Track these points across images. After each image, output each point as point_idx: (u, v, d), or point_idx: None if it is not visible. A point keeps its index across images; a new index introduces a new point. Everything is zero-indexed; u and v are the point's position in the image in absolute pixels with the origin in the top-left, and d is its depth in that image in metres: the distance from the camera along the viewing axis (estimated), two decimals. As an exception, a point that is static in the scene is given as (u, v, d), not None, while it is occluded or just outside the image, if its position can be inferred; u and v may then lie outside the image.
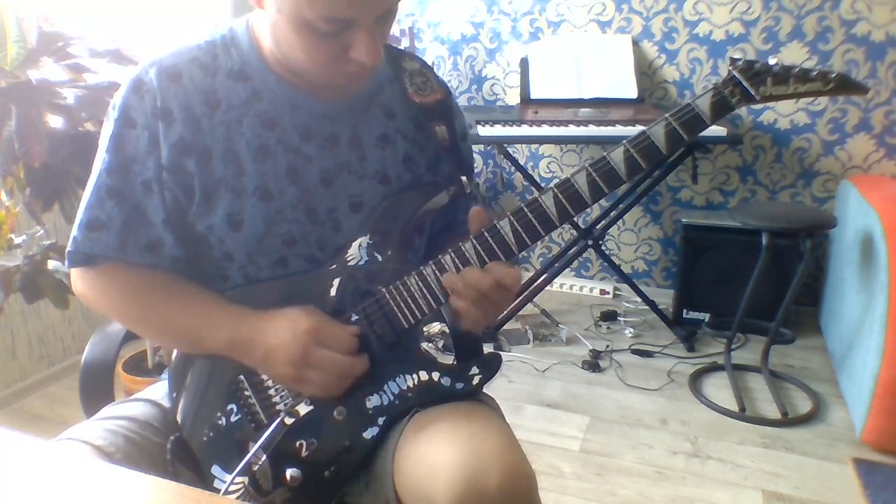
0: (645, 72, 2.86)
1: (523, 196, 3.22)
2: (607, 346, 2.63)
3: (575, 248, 2.83)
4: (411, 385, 0.89)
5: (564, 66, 2.77)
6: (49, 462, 0.66)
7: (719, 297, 2.68)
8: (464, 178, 0.96)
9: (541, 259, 3.29)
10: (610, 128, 2.37)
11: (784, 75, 0.85)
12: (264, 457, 0.87)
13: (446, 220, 1.05)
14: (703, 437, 2.06)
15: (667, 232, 3.06)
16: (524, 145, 3.10)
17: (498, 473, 0.75)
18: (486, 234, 0.86)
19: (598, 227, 2.76)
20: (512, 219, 0.86)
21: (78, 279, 0.92)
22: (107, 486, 0.63)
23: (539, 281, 2.77)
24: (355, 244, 0.91)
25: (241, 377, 0.90)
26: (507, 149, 2.74)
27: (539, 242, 3.28)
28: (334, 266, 0.91)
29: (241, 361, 0.89)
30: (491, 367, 0.92)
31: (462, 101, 3.18)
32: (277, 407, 0.89)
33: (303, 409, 0.89)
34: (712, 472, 1.89)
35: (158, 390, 1.00)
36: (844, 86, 0.85)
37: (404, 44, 2.92)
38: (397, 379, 0.89)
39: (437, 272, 0.87)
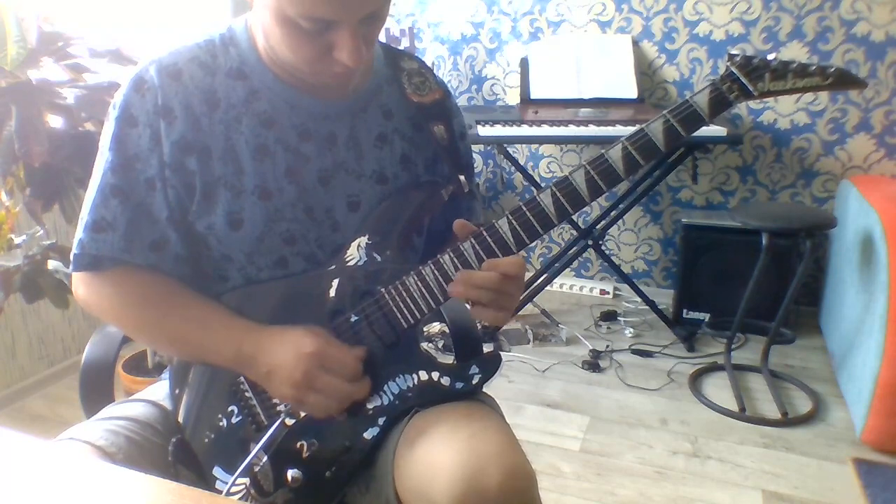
0: (645, 72, 2.86)
1: (523, 196, 3.22)
2: (607, 346, 2.63)
3: (575, 248, 2.83)
4: (411, 385, 0.89)
5: (564, 66, 2.77)
6: (50, 462, 0.66)
7: (719, 297, 2.68)
8: (462, 178, 0.96)
9: (541, 259, 3.30)
10: (610, 128, 2.37)
11: (782, 70, 0.85)
12: (265, 458, 0.87)
13: (446, 220, 1.05)
14: (703, 437, 2.06)
15: (667, 232, 3.06)
16: (524, 145, 3.10)
17: (498, 473, 0.76)
18: (484, 233, 0.86)
19: (598, 227, 2.76)
20: (510, 217, 0.86)
21: (81, 284, 0.91)
22: (108, 486, 0.63)
23: (539, 281, 2.77)
24: (354, 245, 0.91)
25: (242, 379, 0.90)
26: (507, 149, 2.74)
27: (538, 241, 3.28)
28: (333, 267, 0.90)
29: (244, 374, 0.89)
30: (490, 366, 0.92)
31: (462, 101, 3.18)
32: (278, 408, 0.89)
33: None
34: (712, 472, 1.89)
35: (159, 391, 1.00)
36: (843, 80, 0.85)
37: (404, 44, 2.92)
38: (397, 379, 0.89)
39: (436, 272, 0.87)
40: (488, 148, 3.17)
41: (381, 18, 0.82)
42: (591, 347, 2.60)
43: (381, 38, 1.00)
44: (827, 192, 2.78)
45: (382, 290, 0.89)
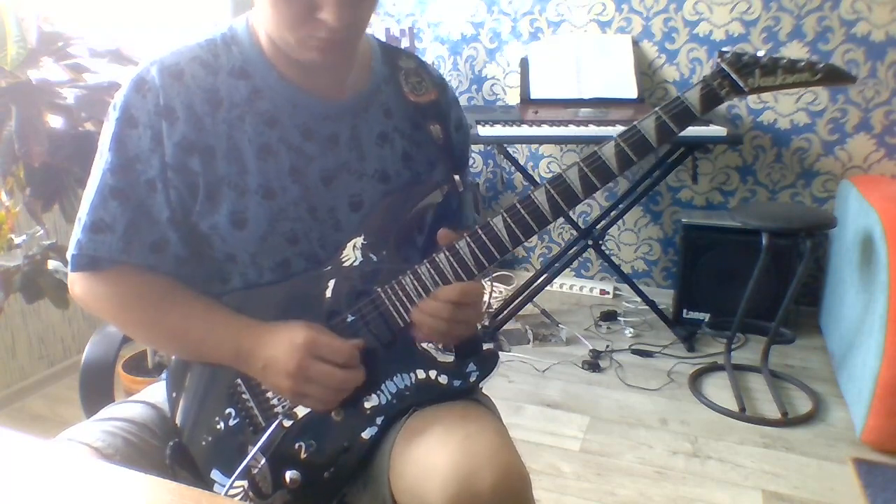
0: (645, 72, 2.86)
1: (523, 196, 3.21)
2: (607, 346, 2.63)
3: (575, 248, 2.83)
4: (409, 384, 0.89)
5: (564, 66, 2.77)
6: (50, 462, 0.66)
7: (719, 297, 2.68)
8: (457, 178, 0.97)
9: (541, 259, 3.29)
10: (610, 128, 2.37)
11: (772, 66, 0.86)
12: (263, 460, 0.87)
13: (442, 220, 1.05)
14: (703, 437, 2.06)
15: (667, 232, 3.06)
16: (524, 145, 3.10)
17: (491, 474, 0.76)
18: (479, 231, 0.87)
19: (598, 227, 2.76)
20: (505, 215, 0.87)
21: (78, 283, 0.91)
22: (107, 486, 0.63)
23: (539, 281, 2.77)
24: (350, 245, 0.91)
25: (239, 381, 0.90)
26: (507, 149, 2.74)
27: (538, 241, 3.28)
28: (329, 267, 0.91)
29: (243, 371, 0.89)
30: (488, 364, 0.92)
31: (462, 101, 3.17)
32: (275, 410, 0.89)
33: (301, 411, 0.89)
34: (712, 472, 1.89)
35: (157, 392, 1.00)
36: (832, 76, 0.86)
37: (404, 44, 2.92)
38: (395, 378, 0.89)
39: (431, 271, 0.87)
40: (488, 148, 3.17)
41: None
42: (591, 347, 2.60)
43: (381, 38, 1.00)
44: (827, 192, 2.78)
45: (378, 289, 0.89)
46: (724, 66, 0.86)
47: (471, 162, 3.20)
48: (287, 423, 0.88)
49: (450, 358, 0.92)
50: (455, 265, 0.87)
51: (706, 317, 2.74)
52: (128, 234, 0.86)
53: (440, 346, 0.91)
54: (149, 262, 0.87)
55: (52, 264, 1.63)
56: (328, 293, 0.90)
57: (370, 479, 0.89)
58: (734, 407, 2.18)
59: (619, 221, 2.96)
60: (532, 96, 2.77)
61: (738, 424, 2.12)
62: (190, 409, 0.91)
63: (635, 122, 0.86)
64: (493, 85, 3.13)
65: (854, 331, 2.15)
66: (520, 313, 2.79)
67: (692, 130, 2.18)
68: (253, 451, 0.87)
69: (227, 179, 0.86)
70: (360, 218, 0.92)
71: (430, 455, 0.79)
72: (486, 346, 0.95)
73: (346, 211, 0.92)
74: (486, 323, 2.74)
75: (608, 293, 3.13)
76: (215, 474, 0.88)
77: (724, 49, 0.88)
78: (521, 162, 3.13)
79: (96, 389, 1.07)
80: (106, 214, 0.86)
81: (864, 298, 2.05)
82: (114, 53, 1.74)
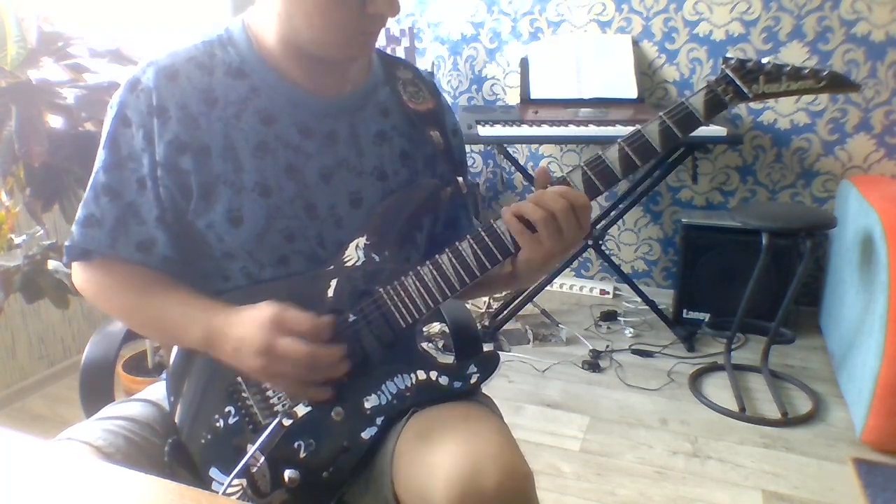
0: (645, 72, 2.86)
1: (523, 196, 3.21)
2: (607, 346, 2.64)
3: (575, 247, 2.83)
4: (409, 384, 0.89)
5: (564, 66, 2.77)
6: (50, 462, 0.66)
7: (719, 297, 2.68)
8: (460, 180, 0.97)
9: (541, 259, 3.29)
10: (610, 128, 2.37)
11: (776, 73, 0.86)
12: (262, 458, 0.87)
13: (444, 221, 1.06)
14: (703, 437, 2.06)
15: (667, 232, 3.06)
16: (524, 145, 3.10)
17: (496, 473, 0.76)
18: (482, 233, 0.87)
19: (598, 227, 2.76)
20: None
21: (77, 272, 0.95)
22: (108, 486, 0.63)
23: (539, 281, 2.77)
24: (352, 245, 0.91)
25: (239, 379, 0.90)
26: (507, 149, 2.74)
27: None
28: (331, 267, 0.91)
29: (217, 357, 0.88)
30: (488, 366, 0.92)
31: (462, 101, 3.18)
32: (275, 408, 0.89)
33: (301, 410, 0.88)
34: (712, 472, 1.89)
35: (158, 391, 1.00)
36: (836, 83, 0.86)
37: (404, 44, 2.92)
38: (395, 379, 0.89)
39: (434, 272, 0.87)
40: (488, 148, 3.17)
41: None
42: (591, 347, 2.60)
43: (382, 38, 1.00)
44: (827, 192, 2.78)
45: (381, 290, 0.89)
46: (728, 71, 0.86)
47: (470, 162, 3.20)
48: (287, 423, 0.88)
49: (451, 359, 0.92)
50: (457, 266, 0.87)
51: (706, 317, 2.74)
52: (115, 231, 0.88)
53: (531, 258, 0.86)
54: (135, 258, 0.89)
55: (52, 264, 1.63)
56: (330, 292, 0.90)
57: (371, 479, 0.89)
58: (734, 407, 2.18)
59: (619, 221, 2.96)
60: (532, 96, 2.77)
61: (738, 424, 2.12)
62: (189, 407, 0.91)
63: (639, 127, 0.86)
64: (493, 85, 3.13)
65: (854, 331, 2.15)
66: (520, 313, 2.79)
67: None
68: (252, 449, 0.87)
69: (222, 177, 0.87)
70: (362, 215, 0.92)
71: (433, 455, 0.79)
72: (486, 348, 0.94)
73: (347, 208, 0.92)
74: (486, 323, 2.74)
75: (608, 293, 3.13)
76: (214, 472, 0.88)
77: (728, 55, 0.88)
78: (521, 162, 3.13)
79: (96, 389, 1.07)
80: (97, 210, 0.88)
81: (864, 298, 2.05)
82: (114, 53, 1.75)
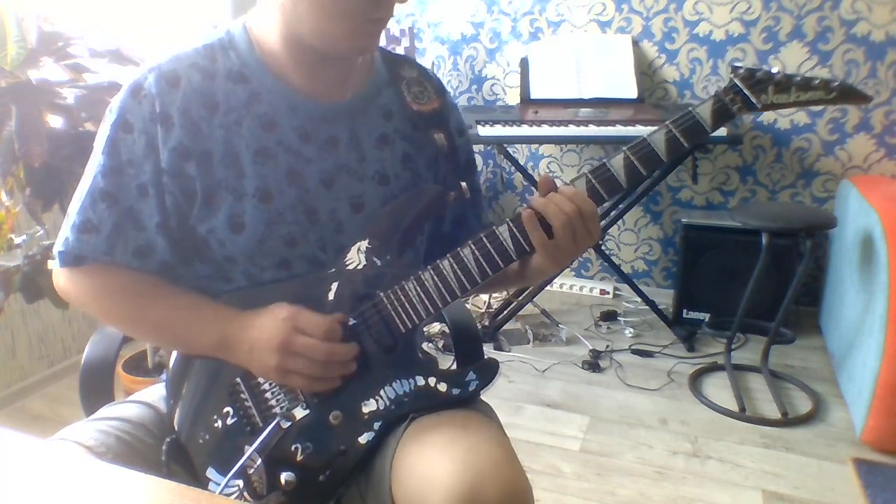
0: (645, 72, 2.86)
1: (523, 196, 3.22)
2: (607, 346, 2.63)
3: (575, 248, 2.82)
4: (408, 390, 0.89)
5: (564, 66, 2.77)
6: (49, 462, 0.66)
7: (719, 297, 2.68)
8: (463, 184, 0.97)
9: (541, 259, 3.29)
10: (610, 128, 2.37)
11: (786, 83, 0.85)
12: (259, 460, 0.87)
13: (447, 226, 1.06)
14: (703, 437, 2.06)
15: (667, 232, 3.06)
16: (524, 145, 3.10)
17: (495, 488, 0.75)
18: (484, 239, 0.87)
19: (598, 227, 2.75)
20: (511, 225, 0.86)
21: (62, 277, 0.93)
22: (107, 485, 0.63)
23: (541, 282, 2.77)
24: (354, 248, 0.91)
25: (239, 380, 0.90)
26: (507, 149, 2.74)
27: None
28: (333, 270, 0.91)
29: (228, 361, 0.89)
30: (488, 373, 0.91)
31: (462, 101, 3.18)
32: (274, 410, 0.89)
33: (299, 412, 0.88)
34: (712, 472, 1.89)
35: (154, 392, 1.00)
36: (847, 95, 0.85)
37: (404, 44, 2.92)
38: (394, 384, 0.89)
39: (435, 277, 0.87)
40: (488, 148, 3.17)
41: None
42: (591, 347, 2.60)
43: (382, 39, 1.00)
44: (827, 192, 2.78)
45: (381, 294, 0.89)
46: (736, 81, 0.85)
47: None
48: (285, 425, 0.88)
49: (451, 361, 0.92)
50: (458, 272, 0.86)
51: (706, 317, 2.74)
52: (112, 237, 0.87)
53: (539, 264, 0.87)
54: (132, 265, 0.89)
55: (52, 264, 1.63)
56: (331, 296, 0.90)
57: (369, 484, 0.89)
58: (734, 407, 2.18)
59: (619, 221, 2.96)
60: (532, 96, 2.77)
61: (738, 424, 2.12)
62: (188, 406, 0.91)
63: (645, 136, 0.85)
64: (493, 85, 3.13)
65: (854, 331, 2.15)
66: (520, 313, 2.79)
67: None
68: (249, 451, 0.86)
69: (224, 183, 0.86)
70: (362, 219, 0.92)
71: (432, 466, 0.79)
72: (486, 348, 0.94)
73: (348, 212, 0.92)
74: (486, 323, 2.74)
75: (608, 293, 3.13)
76: (211, 472, 0.88)
77: (737, 64, 0.87)
78: (521, 162, 3.13)
79: (96, 389, 1.06)
80: (94, 216, 0.87)
81: (864, 298, 2.05)
82: (114, 53, 1.75)
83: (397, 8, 0.85)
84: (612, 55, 2.76)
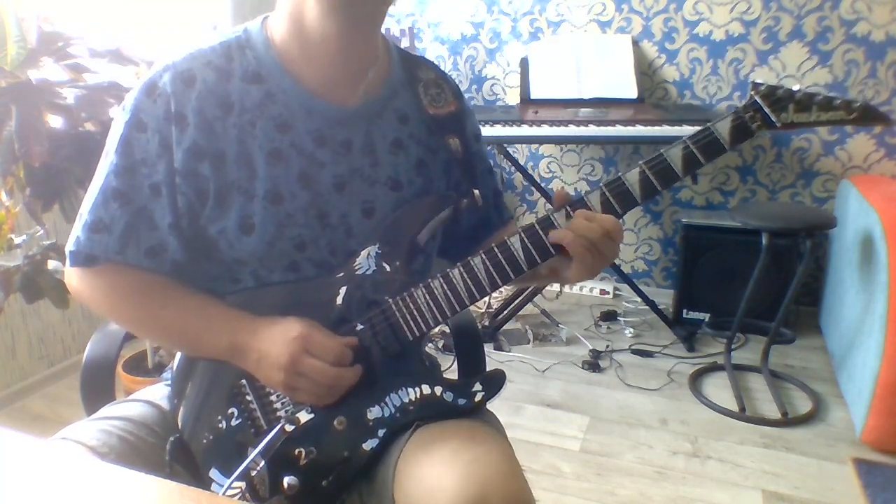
0: (645, 72, 2.86)
1: (523, 196, 3.22)
2: (607, 346, 2.64)
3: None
4: (413, 398, 0.88)
5: (564, 66, 2.77)
6: (51, 462, 0.66)
7: (719, 297, 2.68)
8: (476, 192, 0.96)
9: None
10: (610, 128, 2.37)
11: (807, 102, 0.84)
12: (262, 463, 0.86)
13: (458, 234, 1.05)
14: (703, 437, 2.06)
15: (667, 232, 3.06)
16: (524, 145, 3.10)
17: (500, 502, 0.75)
18: (496, 249, 0.86)
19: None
20: (523, 236, 0.86)
21: (75, 277, 0.92)
22: (108, 485, 0.63)
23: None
24: (364, 253, 0.90)
25: (244, 381, 0.90)
26: (507, 149, 2.74)
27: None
28: (342, 274, 0.90)
29: (238, 366, 0.89)
30: (494, 385, 0.91)
31: (462, 100, 3.18)
32: (278, 413, 0.89)
33: (303, 416, 0.88)
34: (712, 472, 1.89)
35: (156, 391, 1.00)
36: (868, 116, 0.85)
37: (404, 44, 2.92)
38: (399, 391, 0.89)
39: (444, 285, 0.87)
40: (488, 148, 3.16)
41: None
42: (591, 347, 2.60)
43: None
44: (827, 192, 2.78)
45: (390, 300, 0.88)
46: (757, 98, 0.84)
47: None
48: (289, 428, 0.87)
49: (451, 361, 0.92)
50: (468, 282, 0.86)
51: (706, 317, 2.74)
52: (125, 237, 0.87)
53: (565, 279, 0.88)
54: (144, 265, 0.88)
55: (52, 264, 1.63)
56: (339, 300, 0.89)
57: (373, 492, 0.89)
58: (734, 407, 2.18)
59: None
60: (532, 96, 2.77)
61: (738, 424, 2.12)
62: (193, 406, 0.91)
63: (662, 151, 0.85)
64: (493, 85, 3.13)
65: (854, 331, 2.15)
66: (520, 313, 2.79)
67: (691, 130, 2.20)
68: (253, 453, 0.86)
69: (236, 184, 0.86)
70: (373, 225, 0.91)
71: (437, 476, 0.78)
72: (486, 348, 0.94)
73: (359, 217, 0.91)
74: (487, 323, 2.74)
75: (608, 293, 3.14)
76: (214, 473, 0.88)
77: (758, 81, 0.86)
78: (521, 162, 3.13)
79: (97, 389, 1.06)
80: (105, 215, 0.86)
81: (864, 298, 2.05)
82: (114, 53, 1.75)
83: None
84: (612, 55, 2.76)
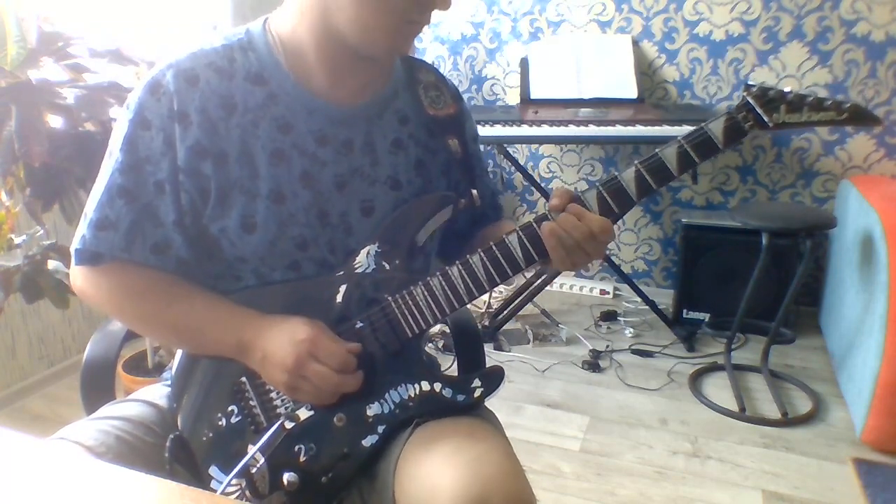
0: (645, 72, 2.86)
1: (523, 196, 3.22)
2: (607, 346, 2.64)
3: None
4: (412, 395, 0.89)
5: (564, 66, 2.77)
6: (49, 462, 0.66)
7: (719, 297, 2.68)
8: (474, 192, 0.97)
9: (541, 259, 3.29)
10: (610, 128, 2.37)
11: (798, 103, 0.86)
12: (262, 460, 0.87)
13: (456, 233, 1.06)
14: (703, 437, 2.06)
15: (667, 232, 3.07)
16: (524, 145, 3.11)
17: (501, 500, 0.75)
18: (493, 247, 0.87)
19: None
20: (520, 233, 0.87)
21: (80, 276, 0.92)
22: (108, 485, 0.63)
23: (539, 281, 2.77)
24: (364, 252, 0.91)
25: (244, 379, 0.90)
26: (507, 149, 2.74)
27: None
28: (342, 272, 0.91)
29: (236, 360, 0.89)
30: (493, 381, 0.92)
31: (462, 101, 3.18)
32: (278, 410, 0.89)
33: (303, 413, 0.88)
34: (712, 472, 1.89)
35: (155, 391, 1.00)
36: (858, 116, 0.86)
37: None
38: (399, 388, 0.89)
39: (443, 283, 0.87)
40: (488, 148, 3.16)
41: None
42: (591, 347, 2.60)
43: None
44: (827, 192, 2.78)
45: (389, 298, 0.89)
46: (749, 99, 0.86)
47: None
48: (288, 425, 0.88)
49: (451, 362, 0.93)
50: (467, 279, 0.87)
51: (706, 317, 2.74)
52: (131, 234, 0.87)
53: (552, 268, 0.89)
54: (149, 261, 0.88)
55: (52, 264, 1.63)
56: (339, 298, 0.90)
57: (373, 489, 0.89)
58: (734, 407, 2.18)
59: (619, 221, 2.96)
60: (532, 96, 2.77)
61: (738, 424, 2.12)
62: (193, 404, 0.91)
63: (657, 150, 0.86)
64: (493, 85, 3.13)
65: (854, 331, 2.15)
66: (520, 313, 2.79)
67: (691, 130, 2.21)
68: (253, 450, 0.87)
69: (238, 184, 0.87)
70: (372, 224, 0.92)
71: (438, 475, 0.79)
72: (486, 348, 0.94)
73: (358, 216, 0.92)
74: (486, 323, 2.74)
75: (608, 293, 3.14)
76: (213, 471, 0.88)
77: (750, 83, 0.88)
78: (521, 162, 3.13)
79: (97, 389, 1.06)
80: (111, 212, 0.87)
81: (864, 298, 2.05)
82: (114, 53, 1.75)
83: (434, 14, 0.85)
84: (612, 55, 2.76)
